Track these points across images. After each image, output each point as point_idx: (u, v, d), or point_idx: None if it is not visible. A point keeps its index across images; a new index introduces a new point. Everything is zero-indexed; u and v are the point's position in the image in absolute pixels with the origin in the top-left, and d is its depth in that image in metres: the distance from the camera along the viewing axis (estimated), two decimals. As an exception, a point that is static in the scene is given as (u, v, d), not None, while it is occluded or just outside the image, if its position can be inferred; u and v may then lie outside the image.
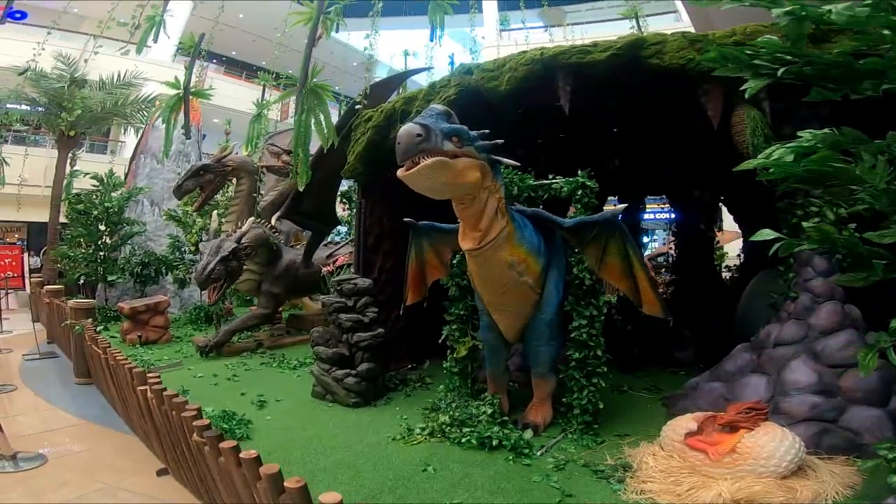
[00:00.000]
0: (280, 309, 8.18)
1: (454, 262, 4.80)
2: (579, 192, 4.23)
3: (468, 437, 4.01)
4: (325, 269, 6.52)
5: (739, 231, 7.50)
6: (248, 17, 20.61)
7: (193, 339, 7.73)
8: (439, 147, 3.26)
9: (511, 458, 3.78)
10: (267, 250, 7.40)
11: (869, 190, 2.89)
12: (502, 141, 3.76)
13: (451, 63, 9.78)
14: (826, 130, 3.32)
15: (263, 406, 5.05)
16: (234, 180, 7.87)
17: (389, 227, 6.07)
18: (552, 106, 5.01)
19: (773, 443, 3.25)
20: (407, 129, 3.24)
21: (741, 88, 3.16)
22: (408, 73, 7.79)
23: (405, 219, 4.63)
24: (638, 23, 6.40)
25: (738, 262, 7.49)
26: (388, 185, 6.00)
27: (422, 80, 8.46)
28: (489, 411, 4.30)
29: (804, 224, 3.12)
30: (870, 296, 4.04)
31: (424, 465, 3.67)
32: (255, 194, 7.53)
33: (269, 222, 7.60)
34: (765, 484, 3.12)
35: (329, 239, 8.81)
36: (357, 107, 5.55)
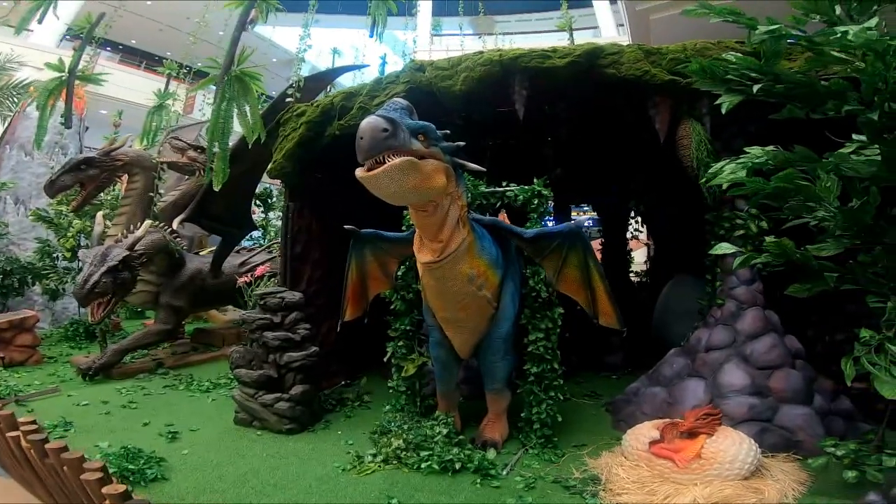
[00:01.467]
0: (182, 322, 7.10)
1: (399, 273, 4.38)
2: (535, 202, 4.03)
3: (428, 462, 3.62)
4: (240, 280, 5.70)
5: (645, 240, 7.90)
6: (157, 5, 18.34)
7: (72, 360, 6.48)
8: (407, 145, 2.85)
9: (478, 480, 3.48)
10: (166, 258, 6.36)
11: (825, 207, 3.01)
12: (464, 143, 3.45)
13: (383, 64, 9.30)
14: (771, 148, 3.46)
15: (176, 438, 4.24)
16: (126, 177, 6.66)
17: (319, 232, 5.48)
18: (498, 111, 4.83)
19: (735, 447, 3.30)
20: (371, 122, 2.79)
21: (716, 103, 3.18)
22: (343, 69, 7.16)
23: (345, 226, 4.12)
24: (571, 36, 6.47)
25: (644, 269, 7.87)
26: (319, 187, 5.43)
27: (346, 81, 7.90)
28: (444, 431, 3.96)
29: (767, 239, 3.17)
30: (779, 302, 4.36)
31: (386, 498, 3.23)
32: (151, 194, 6.43)
33: (170, 226, 6.53)
34: (733, 487, 3.16)
35: (241, 244, 7.84)
36: (288, 99, 4.90)
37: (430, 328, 4.15)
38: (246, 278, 5.64)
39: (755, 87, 2.90)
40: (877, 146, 3.08)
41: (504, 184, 4.21)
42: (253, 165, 5.92)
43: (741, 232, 4.32)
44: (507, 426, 4.17)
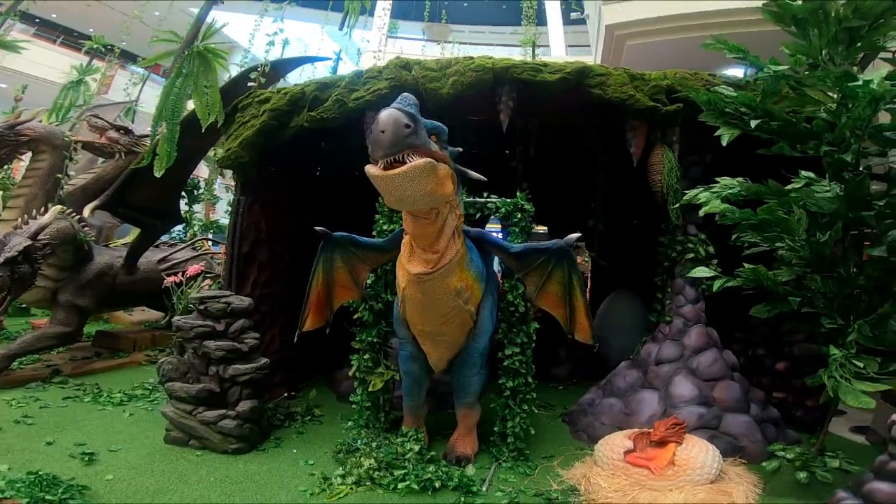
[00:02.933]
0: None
1: (368, 282, 4.02)
2: (518, 215, 3.91)
3: (405, 482, 3.32)
4: (168, 280, 4.90)
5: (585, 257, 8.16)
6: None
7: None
8: (427, 146, 2.60)
9: (461, 499, 3.23)
10: (72, 250, 5.33)
11: (795, 238, 3.21)
12: (461, 149, 3.26)
13: (338, 60, 8.68)
14: (740, 179, 3.67)
15: (93, 460, 3.50)
16: (30, 155, 5.49)
17: (268, 232, 4.91)
18: (469, 119, 4.68)
19: (703, 453, 3.43)
20: (394, 115, 2.50)
21: (715, 134, 3.28)
22: (302, 60, 6.53)
23: (316, 227, 3.70)
24: (534, 52, 6.51)
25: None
26: (271, 183, 4.88)
27: (293, 78, 7.27)
28: (416, 448, 3.66)
29: (747, 266, 3.33)
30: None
31: (369, 525, 2.87)
32: (59, 175, 5.34)
33: (80, 214, 5.49)
34: (705, 490, 3.27)
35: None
36: (250, 84, 4.32)
37: (401, 341, 3.84)
38: (174, 278, 4.87)
39: (753, 123, 3.05)
40: (826, 183, 3.37)
41: (485, 195, 4.05)
42: (191, 152, 5.18)
43: (691, 255, 4.55)
44: (477, 440, 3.98)
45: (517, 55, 6.58)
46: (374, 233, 4.04)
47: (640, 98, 3.87)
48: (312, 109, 4.16)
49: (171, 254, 6.50)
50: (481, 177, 3.23)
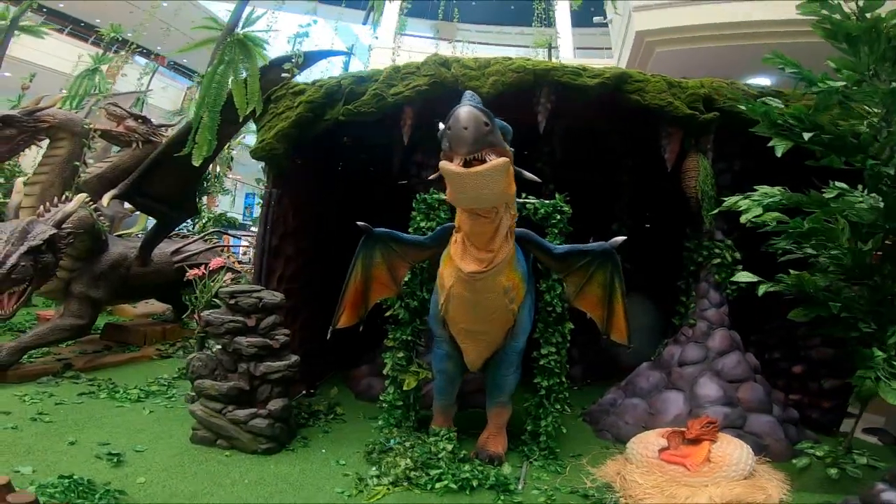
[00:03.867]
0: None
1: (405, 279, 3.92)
2: (557, 217, 3.85)
3: (443, 482, 3.24)
4: (191, 274, 4.72)
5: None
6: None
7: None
8: (503, 144, 2.53)
9: (499, 498, 3.18)
10: (89, 239, 5.12)
11: (837, 246, 3.21)
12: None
13: (349, 56, 8.47)
14: (781, 189, 3.66)
15: (121, 462, 3.33)
16: (48, 142, 5.25)
17: (294, 226, 4.77)
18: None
19: (738, 451, 3.47)
20: (473, 113, 2.42)
21: (769, 145, 3.26)
22: (322, 54, 6.35)
23: (358, 222, 3.59)
24: (550, 54, 6.44)
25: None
26: (299, 175, 4.74)
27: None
28: (449, 447, 3.59)
29: (793, 272, 3.32)
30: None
31: (414, 527, 2.78)
32: (76, 163, 5.11)
33: (97, 202, 5.27)
34: (741, 486, 3.29)
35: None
36: (284, 74, 4.17)
37: (437, 340, 3.76)
38: (197, 271, 4.70)
39: (806, 136, 3.03)
40: (858, 194, 3.38)
41: (523, 195, 3.97)
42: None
43: (718, 260, 4.55)
44: (507, 439, 3.92)
45: (527, 56, 6.48)
46: (409, 229, 3.94)
47: (678, 105, 3.84)
48: (349, 102, 4.04)
49: (184, 245, 6.30)
50: (535, 178, 3.16)
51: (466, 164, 2.44)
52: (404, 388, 3.84)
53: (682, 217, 4.74)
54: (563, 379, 3.87)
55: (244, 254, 11.98)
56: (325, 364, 5.37)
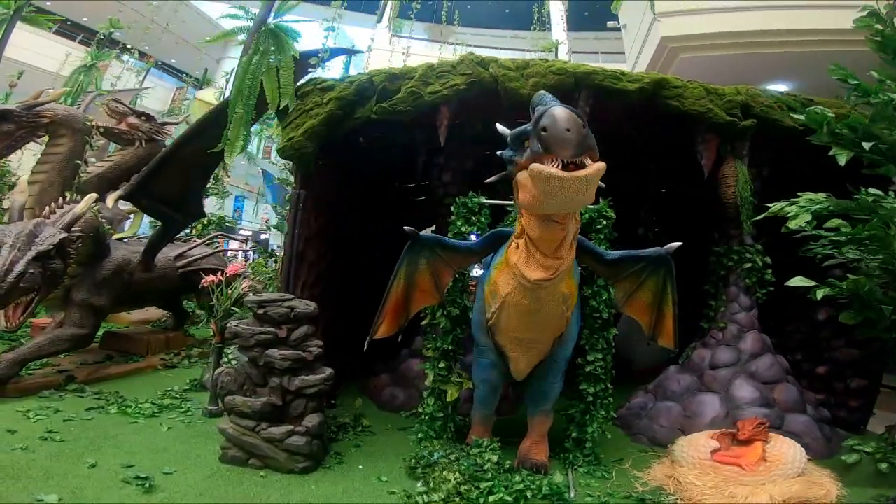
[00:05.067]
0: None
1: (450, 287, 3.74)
2: (602, 222, 3.72)
3: (497, 495, 3.07)
4: (207, 280, 4.42)
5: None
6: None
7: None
8: (597, 149, 2.39)
9: (556, 508, 3.03)
10: (92, 243, 4.76)
11: (891, 252, 3.18)
12: None
13: (350, 56, 8.22)
14: (825, 195, 3.62)
15: (153, 488, 3.04)
16: (47, 139, 4.84)
17: (317, 230, 4.51)
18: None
19: (792, 449, 3.46)
20: (571, 114, 2.30)
21: (830, 153, 3.20)
22: (345, 51, 6.09)
23: (406, 227, 3.38)
24: (557, 54, 6.33)
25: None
26: (321, 176, 4.49)
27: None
28: (495, 459, 3.44)
29: (851, 276, 3.28)
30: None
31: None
32: (77, 161, 4.74)
33: (100, 203, 4.89)
34: (798, 483, 3.26)
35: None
36: (310, 70, 3.93)
37: (482, 349, 3.59)
38: (213, 278, 4.40)
39: (866, 145, 2.99)
40: (892, 198, 3.36)
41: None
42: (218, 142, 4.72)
43: (748, 265, 4.51)
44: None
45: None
46: (449, 234, 3.76)
47: (718, 112, 3.77)
48: (382, 100, 3.83)
49: (187, 250, 5.95)
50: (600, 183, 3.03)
51: (565, 167, 2.28)
52: (447, 399, 3.65)
53: (709, 222, 4.70)
54: (609, 385, 3.76)
55: (234, 257, 11.60)
56: (342, 373, 5.13)
